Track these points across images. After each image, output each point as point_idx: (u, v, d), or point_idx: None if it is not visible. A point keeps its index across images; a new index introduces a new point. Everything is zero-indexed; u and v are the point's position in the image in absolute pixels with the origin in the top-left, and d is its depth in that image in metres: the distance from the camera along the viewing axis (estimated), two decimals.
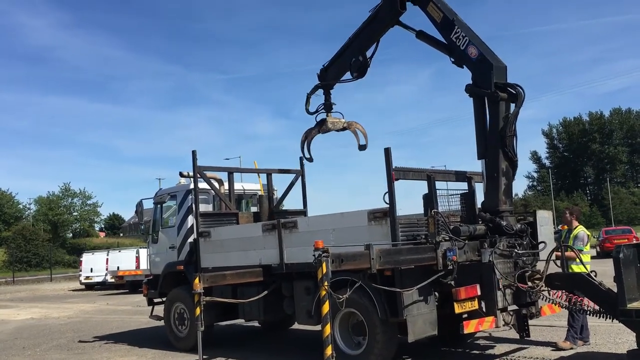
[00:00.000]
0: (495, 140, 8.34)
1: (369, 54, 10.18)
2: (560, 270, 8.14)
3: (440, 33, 9.12)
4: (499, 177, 8.31)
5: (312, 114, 10.96)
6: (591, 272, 7.60)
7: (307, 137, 11.01)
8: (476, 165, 8.77)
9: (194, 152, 10.85)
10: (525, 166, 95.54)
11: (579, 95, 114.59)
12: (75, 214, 77.87)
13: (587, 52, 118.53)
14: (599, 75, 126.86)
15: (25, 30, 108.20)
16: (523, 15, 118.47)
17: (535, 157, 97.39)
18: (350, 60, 10.21)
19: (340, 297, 7.20)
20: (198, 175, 10.97)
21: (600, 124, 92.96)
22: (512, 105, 8.43)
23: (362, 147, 10.73)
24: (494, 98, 8.30)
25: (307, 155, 11.20)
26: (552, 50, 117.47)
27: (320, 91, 10.93)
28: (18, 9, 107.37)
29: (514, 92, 8.38)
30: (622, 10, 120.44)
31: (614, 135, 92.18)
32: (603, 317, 7.25)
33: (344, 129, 10.87)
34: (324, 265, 6.48)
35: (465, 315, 7.79)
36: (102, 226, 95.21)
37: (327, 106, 10.85)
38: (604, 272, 8.21)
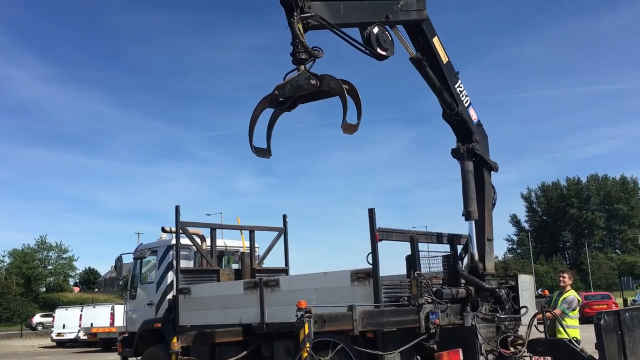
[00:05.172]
0: (489, 206, 8.69)
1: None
2: (542, 335, 8.13)
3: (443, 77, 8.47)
4: (492, 240, 8.59)
5: (305, 55, 6.81)
6: (573, 338, 7.60)
7: (269, 117, 7.47)
8: (456, 227, 8.92)
9: (177, 208, 10.80)
10: (505, 229, 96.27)
11: (557, 161, 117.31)
12: (50, 267, 76.29)
13: (564, 120, 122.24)
14: (575, 142, 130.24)
15: (11, 83, 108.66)
16: (503, 83, 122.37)
17: (515, 220, 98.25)
18: (369, 24, 7.38)
19: (322, 359, 7.09)
20: (180, 231, 10.90)
21: (578, 189, 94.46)
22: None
23: (351, 127, 6.51)
24: (495, 168, 8.83)
25: (265, 146, 7.52)
26: (531, 116, 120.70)
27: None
28: (4, 62, 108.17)
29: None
30: (596, 81, 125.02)
31: (591, 200, 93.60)
32: None
33: (319, 92, 6.83)
34: (306, 325, 6.43)
35: None
36: (77, 281, 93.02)
37: (305, 54, 6.81)
38: (584, 338, 8.21)
